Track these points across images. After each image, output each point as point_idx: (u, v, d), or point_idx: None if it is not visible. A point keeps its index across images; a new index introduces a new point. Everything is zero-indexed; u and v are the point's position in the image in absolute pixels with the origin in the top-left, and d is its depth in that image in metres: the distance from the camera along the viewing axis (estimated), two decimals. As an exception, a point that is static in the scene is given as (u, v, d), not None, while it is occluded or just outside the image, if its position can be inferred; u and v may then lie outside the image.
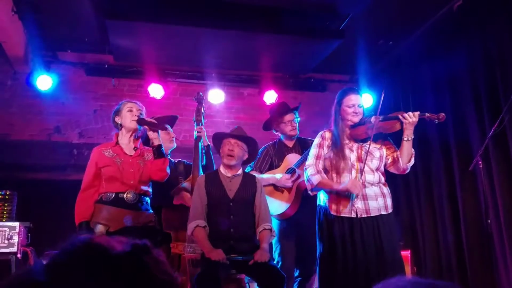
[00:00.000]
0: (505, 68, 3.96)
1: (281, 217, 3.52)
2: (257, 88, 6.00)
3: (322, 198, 3.07)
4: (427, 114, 2.90)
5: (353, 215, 2.92)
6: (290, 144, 3.75)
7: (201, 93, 3.74)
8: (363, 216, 2.92)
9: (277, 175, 3.55)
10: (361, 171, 2.94)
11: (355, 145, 3.04)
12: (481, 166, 3.46)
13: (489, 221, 3.59)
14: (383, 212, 2.95)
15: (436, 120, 2.88)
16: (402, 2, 4.45)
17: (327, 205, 3.00)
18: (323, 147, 3.08)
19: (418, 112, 2.91)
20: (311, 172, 3.00)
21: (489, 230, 3.59)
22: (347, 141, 3.05)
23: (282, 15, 4.64)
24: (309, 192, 3.08)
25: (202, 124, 3.60)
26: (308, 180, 3.01)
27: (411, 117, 2.88)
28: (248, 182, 3.13)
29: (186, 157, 3.94)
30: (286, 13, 4.62)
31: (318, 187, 3.00)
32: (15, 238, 3.90)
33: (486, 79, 4.21)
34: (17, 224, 3.97)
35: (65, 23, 4.80)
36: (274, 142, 3.80)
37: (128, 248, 0.73)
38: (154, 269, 0.73)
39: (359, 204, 2.93)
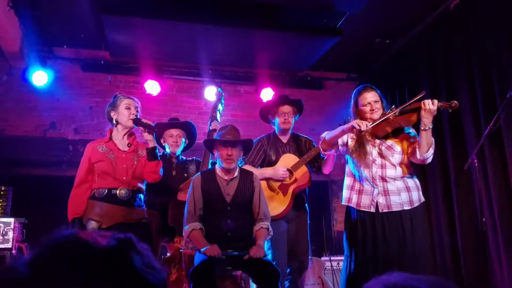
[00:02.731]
0: (501, 67, 3.97)
1: (274, 217, 3.46)
2: (254, 85, 6.00)
3: (345, 196, 3.09)
4: (440, 103, 2.81)
5: (372, 209, 2.91)
6: (284, 139, 3.64)
7: (220, 89, 3.66)
8: (384, 211, 2.90)
9: (274, 167, 3.46)
10: (382, 167, 2.95)
11: (377, 141, 3.03)
12: (476, 164, 3.46)
13: (484, 219, 3.60)
14: (406, 207, 2.90)
15: (450, 109, 2.83)
16: (399, 0, 4.45)
17: (347, 199, 3.04)
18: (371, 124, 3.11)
19: (436, 100, 2.81)
20: (323, 134, 3.13)
21: (484, 229, 3.60)
22: (369, 138, 3.03)
23: (279, 13, 4.64)
24: (322, 154, 3.18)
25: (217, 121, 3.55)
26: (322, 142, 3.12)
27: (429, 105, 2.78)
28: (246, 182, 3.08)
29: (191, 155, 3.89)
30: (283, 11, 4.62)
31: (328, 139, 3.06)
32: (10, 234, 3.89)
33: (482, 77, 4.22)
34: (12, 220, 3.96)
35: (61, 18, 4.79)
36: (269, 135, 3.67)
37: (112, 243, 0.73)
38: (138, 263, 0.72)
39: (380, 199, 2.91)
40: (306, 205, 3.54)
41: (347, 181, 3.11)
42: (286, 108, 3.57)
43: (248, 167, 3.37)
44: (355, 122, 2.84)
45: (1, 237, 3.87)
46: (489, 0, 4.12)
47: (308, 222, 3.56)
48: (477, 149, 3.46)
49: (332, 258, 5.17)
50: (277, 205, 3.40)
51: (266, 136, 3.66)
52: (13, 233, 3.91)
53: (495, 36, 4.08)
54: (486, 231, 3.81)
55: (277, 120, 3.59)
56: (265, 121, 3.77)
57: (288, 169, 3.43)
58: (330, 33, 4.90)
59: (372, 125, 2.87)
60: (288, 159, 3.51)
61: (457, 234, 4.40)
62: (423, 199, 3.01)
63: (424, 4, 4.46)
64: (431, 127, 2.82)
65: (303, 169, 3.46)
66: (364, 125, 2.81)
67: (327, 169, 3.49)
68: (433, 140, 2.89)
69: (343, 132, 2.97)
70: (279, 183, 3.46)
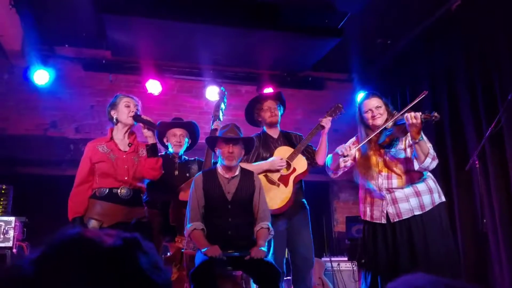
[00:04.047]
0: (502, 68, 3.97)
1: (278, 211, 3.40)
2: (255, 85, 5.99)
3: (360, 210, 3.11)
4: (422, 115, 2.73)
5: (383, 221, 2.91)
6: (275, 135, 3.61)
7: (223, 88, 3.65)
8: (395, 220, 2.88)
9: (269, 159, 3.42)
10: (388, 177, 2.94)
11: (382, 151, 3.02)
12: (477, 166, 3.46)
13: (484, 221, 3.60)
14: (417, 212, 2.85)
15: (432, 122, 2.79)
16: (400, 1, 4.45)
17: (363, 212, 3.06)
18: (356, 146, 3.13)
19: (420, 113, 2.72)
20: (327, 159, 3.19)
21: (484, 230, 3.60)
22: (375, 149, 3.02)
23: (280, 13, 4.64)
24: (330, 174, 3.18)
25: (220, 120, 3.54)
26: (327, 162, 3.18)
27: (412, 119, 2.70)
28: (246, 181, 3.08)
29: (193, 154, 3.87)
30: (284, 11, 4.62)
31: (331, 160, 3.12)
32: (11, 233, 3.89)
33: (483, 79, 4.22)
34: (12, 218, 3.96)
35: (63, 17, 4.79)
36: (259, 134, 3.63)
37: (118, 242, 0.72)
38: (145, 262, 0.72)
39: (390, 209, 2.90)
40: (304, 200, 3.50)
41: (360, 194, 3.15)
42: (270, 103, 3.61)
43: (243, 164, 3.32)
44: (338, 149, 2.94)
45: (2, 236, 3.87)
46: (491, 1, 4.12)
47: (309, 217, 3.52)
48: (478, 150, 3.45)
49: (332, 258, 5.17)
50: (279, 198, 3.34)
51: (257, 135, 3.60)
52: (14, 232, 3.90)
53: (496, 37, 4.09)
54: (486, 233, 3.82)
55: (264, 115, 3.60)
56: (250, 122, 3.77)
57: (285, 160, 3.41)
58: (332, 33, 4.90)
59: (357, 147, 2.96)
60: (282, 151, 3.48)
61: (458, 234, 4.40)
62: (437, 201, 2.92)
63: (425, 5, 4.46)
64: (421, 139, 2.75)
65: (300, 157, 3.44)
66: (347, 150, 2.91)
67: (321, 159, 3.48)
68: (430, 147, 2.82)
69: (336, 157, 3.04)
70: (278, 175, 3.40)
